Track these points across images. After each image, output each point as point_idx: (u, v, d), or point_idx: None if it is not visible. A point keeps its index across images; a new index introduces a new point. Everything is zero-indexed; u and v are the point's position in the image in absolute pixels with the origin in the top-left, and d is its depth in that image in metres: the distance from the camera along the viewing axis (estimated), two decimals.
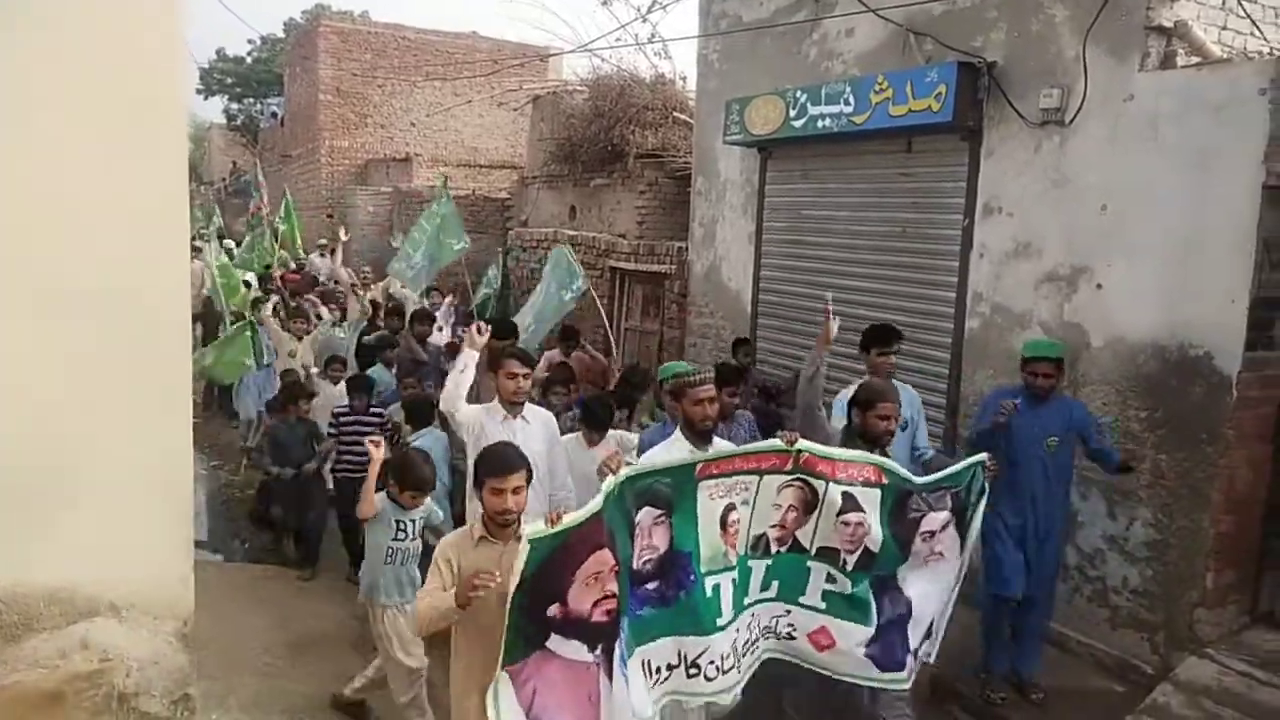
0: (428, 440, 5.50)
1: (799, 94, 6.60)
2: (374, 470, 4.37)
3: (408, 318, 8.34)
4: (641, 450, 4.46)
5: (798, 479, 3.48)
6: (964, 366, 5.93)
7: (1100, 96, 5.06)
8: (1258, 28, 5.19)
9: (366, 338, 8.56)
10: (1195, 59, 4.84)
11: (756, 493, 3.47)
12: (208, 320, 11.26)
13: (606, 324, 8.94)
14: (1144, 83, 4.87)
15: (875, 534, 3.55)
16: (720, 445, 3.88)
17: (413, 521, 4.39)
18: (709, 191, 8.02)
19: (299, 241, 12.49)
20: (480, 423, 4.56)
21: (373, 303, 9.98)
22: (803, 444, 3.46)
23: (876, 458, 3.67)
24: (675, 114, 10.73)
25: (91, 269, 3.73)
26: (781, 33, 7.18)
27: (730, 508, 3.42)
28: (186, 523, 3.66)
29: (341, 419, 6.46)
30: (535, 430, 4.63)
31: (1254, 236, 4.40)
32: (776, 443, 3.47)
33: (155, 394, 3.66)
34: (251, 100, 31.65)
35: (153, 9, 3.59)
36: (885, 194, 6.41)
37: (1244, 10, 5.15)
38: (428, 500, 4.43)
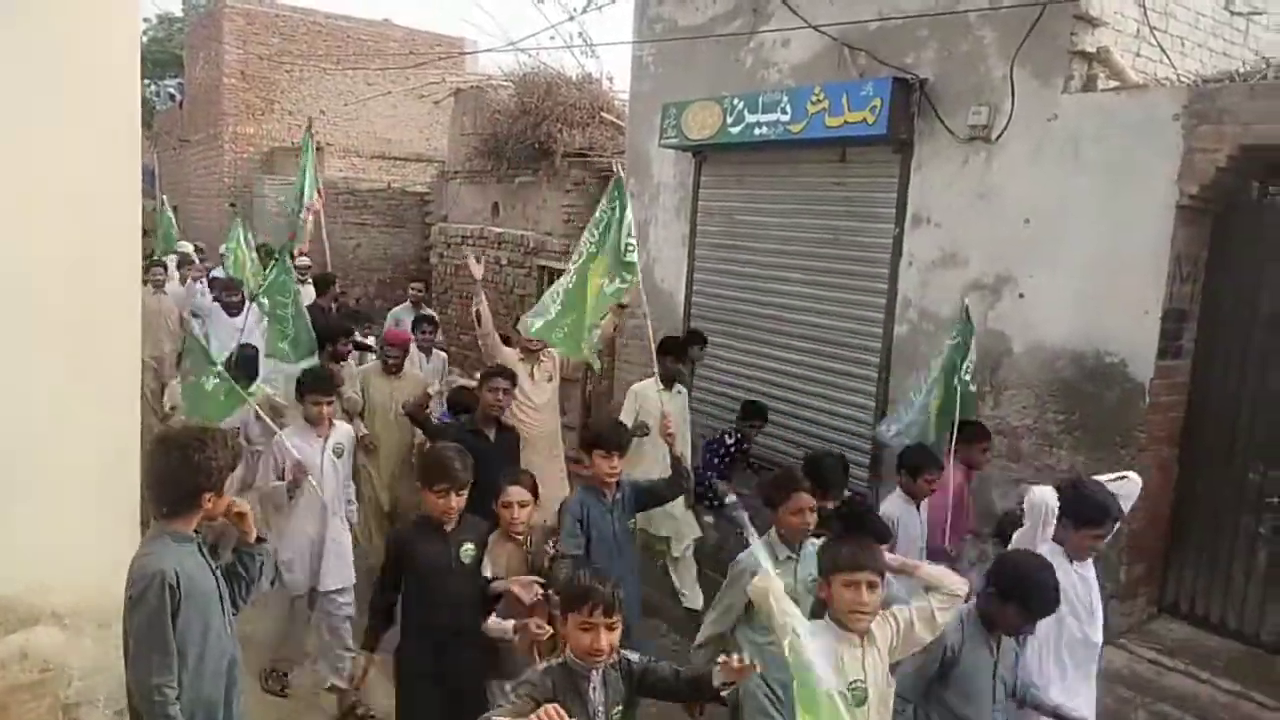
0: None
1: (737, 101, 6.71)
2: None
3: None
4: None
5: None
6: (892, 370, 6.14)
7: (1025, 115, 5.32)
8: (1167, 55, 5.55)
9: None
10: (1115, 83, 5.15)
11: None
12: None
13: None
14: (1067, 104, 5.15)
15: None
16: None
17: None
18: (642, 193, 8.07)
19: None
20: None
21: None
22: None
23: None
24: (603, 114, 10.75)
25: (35, 260, 3.55)
26: (718, 39, 7.29)
27: None
28: (133, 525, 3.52)
29: None
30: None
31: (1167, 252, 4.72)
32: None
33: (100, 392, 3.51)
34: (146, 81, 30.18)
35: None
36: (819, 202, 6.58)
37: (1155, 40, 5.51)
38: None
